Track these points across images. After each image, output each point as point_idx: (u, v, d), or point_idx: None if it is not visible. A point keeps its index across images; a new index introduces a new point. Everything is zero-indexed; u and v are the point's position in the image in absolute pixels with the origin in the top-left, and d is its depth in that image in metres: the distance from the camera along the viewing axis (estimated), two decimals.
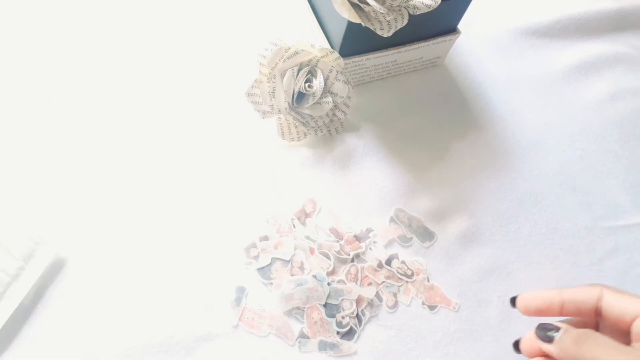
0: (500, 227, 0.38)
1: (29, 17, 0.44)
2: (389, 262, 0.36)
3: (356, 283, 0.35)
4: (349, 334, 0.33)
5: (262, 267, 0.34)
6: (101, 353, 0.31)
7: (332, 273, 0.35)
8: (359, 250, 0.36)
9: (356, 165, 0.39)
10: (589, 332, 0.24)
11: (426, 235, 0.37)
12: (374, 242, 0.36)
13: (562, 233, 0.39)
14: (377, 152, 0.40)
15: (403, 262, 0.36)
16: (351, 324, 0.33)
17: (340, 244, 0.36)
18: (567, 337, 0.24)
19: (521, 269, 0.37)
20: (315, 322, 0.33)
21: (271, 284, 0.34)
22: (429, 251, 0.37)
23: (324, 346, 0.32)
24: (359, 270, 0.35)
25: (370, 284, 0.35)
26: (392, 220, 0.37)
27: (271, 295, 0.34)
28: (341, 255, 0.35)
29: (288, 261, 0.35)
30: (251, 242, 0.35)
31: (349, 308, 0.34)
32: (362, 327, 0.33)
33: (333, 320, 0.33)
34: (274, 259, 0.35)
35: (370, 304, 0.34)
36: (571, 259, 0.38)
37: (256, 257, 0.35)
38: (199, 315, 0.33)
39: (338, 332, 0.33)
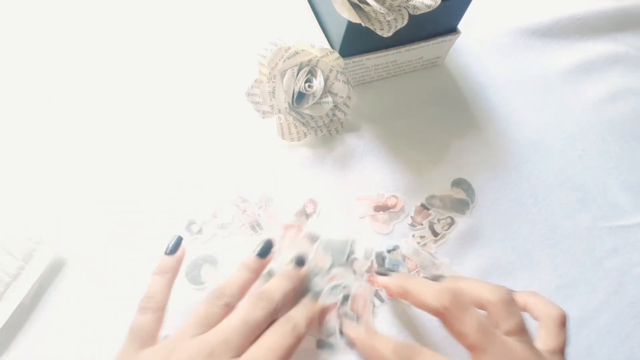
0: (500, 227, 0.38)
1: (29, 17, 0.44)
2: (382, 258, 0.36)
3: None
4: None
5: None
6: (101, 353, 0.31)
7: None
8: (430, 218, 0.36)
9: (356, 165, 0.39)
10: (417, 349, 0.26)
11: (462, 205, 0.38)
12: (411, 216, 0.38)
13: (562, 233, 0.39)
14: (377, 152, 0.40)
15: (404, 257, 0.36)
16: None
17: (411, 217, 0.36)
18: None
19: (521, 269, 0.37)
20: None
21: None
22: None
23: (322, 345, 0.32)
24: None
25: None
26: (424, 207, 0.38)
27: None
28: (414, 227, 0.36)
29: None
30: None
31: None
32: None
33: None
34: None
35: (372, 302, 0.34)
36: (571, 259, 0.38)
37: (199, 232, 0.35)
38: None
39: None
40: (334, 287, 0.34)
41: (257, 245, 0.31)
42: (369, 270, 0.35)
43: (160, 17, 0.46)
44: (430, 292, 0.27)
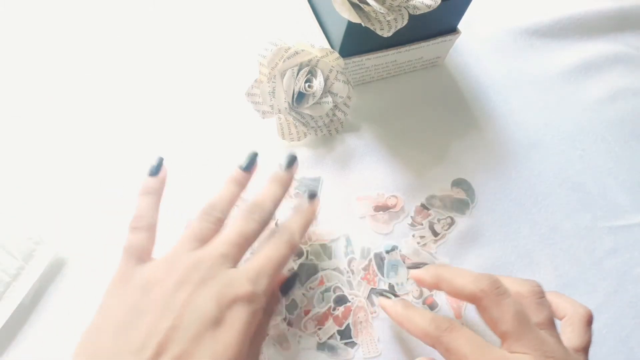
0: (500, 227, 0.38)
1: (29, 17, 0.44)
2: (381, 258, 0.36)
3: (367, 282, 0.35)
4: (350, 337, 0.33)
5: None
6: None
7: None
8: (430, 218, 0.37)
9: (356, 165, 0.39)
10: (455, 324, 0.25)
11: (462, 205, 0.38)
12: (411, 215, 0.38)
13: (562, 233, 0.39)
14: (377, 152, 0.40)
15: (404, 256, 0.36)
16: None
17: (411, 216, 0.37)
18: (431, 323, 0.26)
19: (521, 269, 0.37)
20: (361, 322, 0.33)
21: None
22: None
23: (322, 347, 0.32)
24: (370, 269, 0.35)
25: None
26: (424, 207, 0.38)
27: None
28: (414, 226, 0.37)
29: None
30: None
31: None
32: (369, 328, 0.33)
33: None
34: None
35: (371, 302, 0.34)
36: (571, 259, 0.38)
37: None
38: None
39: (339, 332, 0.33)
40: (325, 291, 0.34)
41: (243, 158, 0.31)
42: (365, 269, 0.35)
43: (160, 17, 0.46)
44: (466, 277, 0.26)
